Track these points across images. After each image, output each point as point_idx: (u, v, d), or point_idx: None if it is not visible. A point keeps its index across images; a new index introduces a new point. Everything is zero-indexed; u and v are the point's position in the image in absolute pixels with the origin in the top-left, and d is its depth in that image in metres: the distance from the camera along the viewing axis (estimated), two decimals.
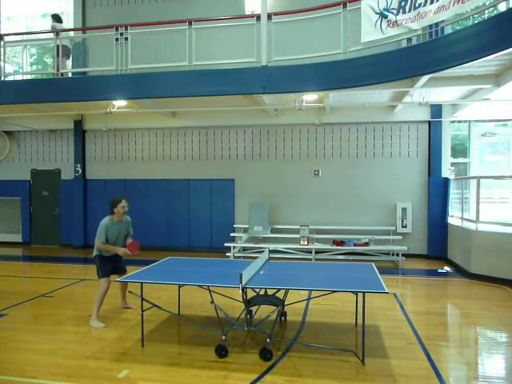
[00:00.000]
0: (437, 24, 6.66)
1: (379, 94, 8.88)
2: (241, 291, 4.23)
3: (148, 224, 11.33)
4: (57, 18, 9.93)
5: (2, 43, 9.01)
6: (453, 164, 10.55)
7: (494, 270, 7.53)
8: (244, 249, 10.52)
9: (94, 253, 5.54)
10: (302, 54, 7.60)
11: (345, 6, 7.29)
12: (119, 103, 9.37)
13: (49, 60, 11.87)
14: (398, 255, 9.47)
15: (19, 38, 9.74)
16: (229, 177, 11.22)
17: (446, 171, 10.24)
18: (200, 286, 4.64)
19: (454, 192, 9.88)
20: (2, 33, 9.51)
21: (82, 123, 11.83)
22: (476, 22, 6.67)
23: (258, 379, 3.85)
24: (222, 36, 8.13)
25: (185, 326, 5.33)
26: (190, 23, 8.10)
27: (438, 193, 10.01)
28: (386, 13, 6.83)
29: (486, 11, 6.58)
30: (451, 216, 9.86)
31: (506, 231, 7.55)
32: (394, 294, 6.83)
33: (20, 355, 4.44)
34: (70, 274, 8.76)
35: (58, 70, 8.75)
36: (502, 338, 5.20)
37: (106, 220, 5.49)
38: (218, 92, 7.96)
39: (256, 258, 5.43)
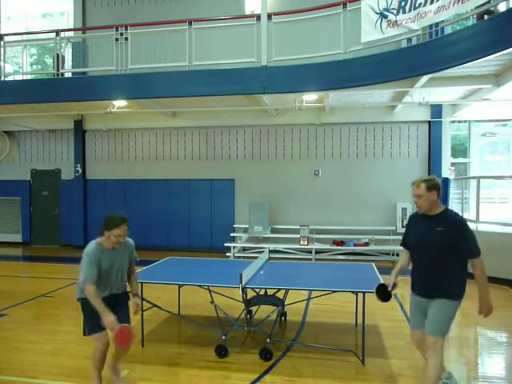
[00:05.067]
0: (437, 24, 6.65)
1: (379, 94, 8.88)
2: (241, 291, 4.23)
3: (148, 224, 11.33)
4: None
5: (2, 43, 9.00)
6: (453, 164, 10.55)
7: (494, 270, 7.51)
8: (244, 249, 10.51)
9: (78, 294, 3.70)
10: (302, 54, 7.60)
11: (345, 6, 7.29)
12: (119, 103, 9.37)
13: (49, 60, 11.88)
14: (398, 255, 9.46)
15: (19, 37, 9.74)
16: (229, 177, 11.21)
17: (446, 171, 10.24)
18: (200, 285, 4.64)
19: (454, 192, 9.87)
20: (2, 33, 9.51)
21: (82, 123, 11.82)
22: (476, 21, 6.66)
23: (257, 379, 3.86)
24: (222, 36, 8.13)
25: (185, 326, 5.33)
26: (190, 23, 8.10)
27: None
28: (386, 13, 6.83)
29: None
30: None
31: (506, 231, 7.55)
32: (394, 294, 6.82)
33: (20, 355, 4.45)
34: (70, 273, 8.76)
35: (57, 70, 8.74)
36: (501, 338, 5.20)
37: (91, 246, 3.52)
38: (218, 92, 7.96)
39: (256, 258, 5.43)
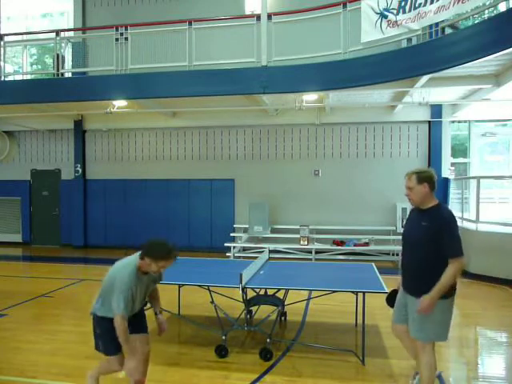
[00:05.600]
0: (437, 24, 6.66)
1: (379, 94, 8.88)
2: (241, 291, 4.23)
3: (148, 224, 11.32)
4: None
5: (2, 43, 9.01)
6: (453, 164, 10.56)
7: (494, 270, 7.53)
8: (244, 249, 10.51)
9: (99, 311, 3.19)
10: (302, 54, 7.60)
11: (345, 6, 7.29)
12: (119, 103, 9.37)
13: (49, 60, 11.88)
14: (398, 255, 9.46)
15: (19, 37, 9.73)
16: (229, 177, 11.21)
17: (446, 171, 10.24)
18: (200, 285, 4.64)
19: (454, 192, 9.88)
20: (2, 33, 9.52)
21: (82, 123, 11.82)
22: (476, 21, 6.67)
23: (257, 379, 3.86)
24: (222, 36, 8.13)
25: (185, 326, 5.33)
26: (190, 23, 8.10)
27: (437, 193, 9.87)
28: (386, 13, 6.83)
29: (486, 11, 6.58)
30: None
31: (506, 231, 7.55)
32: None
33: (20, 355, 4.44)
34: (69, 273, 8.76)
35: (57, 70, 8.74)
36: (501, 338, 5.20)
37: (130, 271, 3.06)
38: (218, 92, 7.96)
39: (256, 258, 5.43)
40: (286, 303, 5.03)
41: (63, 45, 9.09)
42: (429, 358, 3.15)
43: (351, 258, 9.63)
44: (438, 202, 3.25)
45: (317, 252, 9.77)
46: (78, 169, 11.91)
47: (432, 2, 6.33)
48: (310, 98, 8.99)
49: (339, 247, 9.82)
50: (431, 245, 3.06)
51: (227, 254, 10.06)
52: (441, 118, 10.07)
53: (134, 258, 3.13)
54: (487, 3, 6.23)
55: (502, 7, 6.25)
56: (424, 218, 3.15)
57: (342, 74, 7.27)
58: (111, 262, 3.30)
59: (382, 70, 6.97)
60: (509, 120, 10.54)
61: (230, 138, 11.30)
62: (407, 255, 3.32)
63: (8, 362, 4.28)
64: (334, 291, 4.51)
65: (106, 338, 3.18)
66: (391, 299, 3.55)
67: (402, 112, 10.12)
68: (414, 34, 6.75)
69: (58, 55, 8.82)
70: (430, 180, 3.18)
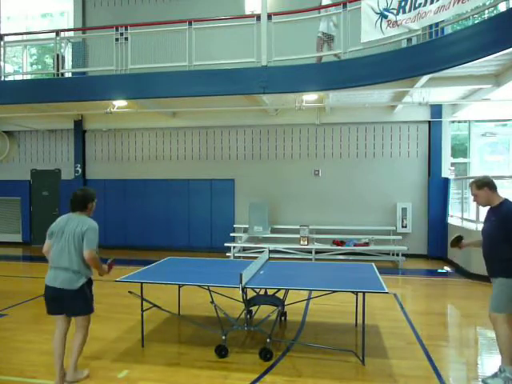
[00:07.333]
0: (437, 24, 6.65)
1: (379, 94, 8.88)
2: (241, 291, 4.23)
3: (148, 224, 11.33)
4: None
5: (2, 43, 9.01)
6: (453, 164, 10.55)
7: None
8: (244, 249, 10.51)
9: (82, 280, 3.76)
10: (302, 54, 7.60)
11: (345, 6, 7.29)
12: (119, 103, 9.36)
13: (49, 60, 11.89)
14: (397, 255, 9.46)
15: (19, 37, 9.73)
16: (229, 177, 11.21)
17: (446, 171, 10.24)
18: (200, 285, 4.64)
19: (454, 192, 9.88)
20: (2, 33, 9.52)
21: (82, 123, 11.82)
22: (476, 21, 6.67)
23: (257, 379, 3.86)
24: (222, 36, 8.14)
25: (185, 326, 5.33)
26: (190, 23, 8.09)
27: (437, 193, 10.01)
28: (386, 13, 6.83)
29: (486, 11, 6.58)
30: (451, 216, 9.85)
31: None
32: (394, 294, 6.83)
33: (20, 355, 4.45)
34: None
35: (58, 70, 8.74)
36: None
37: (93, 220, 3.92)
38: (218, 92, 7.96)
39: (256, 258, 5.43)
40: (286, 303, 5.03)
41: (63, 45, 9.08)
42: (502, 330, 3.69)
43: (351, 258, 9.64)
44: (503, 199, 3.80)
45: (317, 252, 9.77)
46: (78, 169, 11.91)
47: (432, 2, 6.32)
48: (309, 98, 8.98)
49: (339, 247, 9.82)
50: (499, 236, 3.68)
51: (227, 254, 10.06)
52: (441, 118, 10.07)
53: (84, 215, 3.90)
54: (487, 3, 6.23)
55: (502, 7, 6.25)
56: (493, 214, 3.79)
57: (342, 74, 7.27)
58: None
59: (381, 70, 6.97)
60: (509, 120, 10.53)
61: (230, 138, 11.30)
62: (484, 246, 3.91)
63: (8, 362, 4.29)
64: (334, 291, 4.51)
65: (90, 297, 3.86)
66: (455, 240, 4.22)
67: (402, 112, 10.12)
68: (413, 34, 6.75)
69: (57, 55, 8.82)
70: (488, 184, 3.79)
